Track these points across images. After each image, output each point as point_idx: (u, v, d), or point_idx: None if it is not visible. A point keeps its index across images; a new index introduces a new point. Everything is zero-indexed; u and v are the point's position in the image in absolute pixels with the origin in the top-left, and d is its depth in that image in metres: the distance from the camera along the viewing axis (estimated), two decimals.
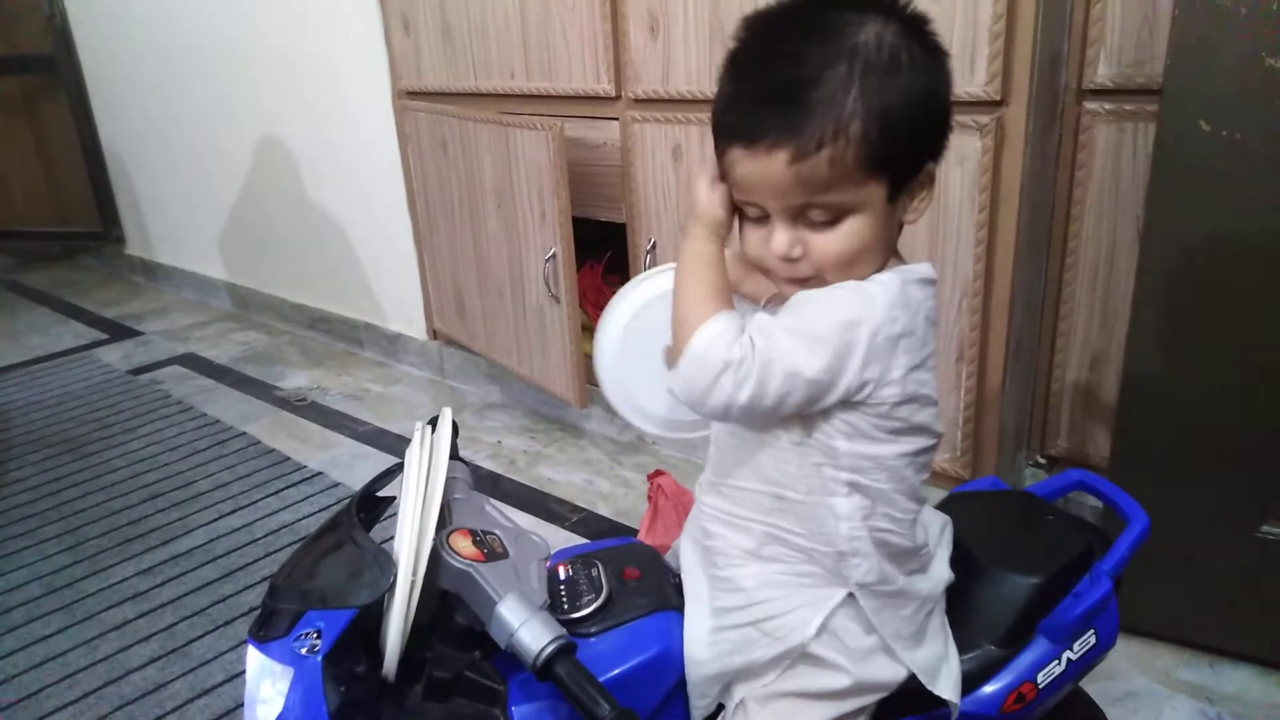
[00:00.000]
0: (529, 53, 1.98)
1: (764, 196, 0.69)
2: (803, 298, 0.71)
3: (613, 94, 1.87)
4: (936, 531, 0.86)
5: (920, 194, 0.72)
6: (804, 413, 0.71)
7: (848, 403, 0.70)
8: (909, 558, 0.79)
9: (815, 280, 0.72)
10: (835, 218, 0.68)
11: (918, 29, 0.68)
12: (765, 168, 0.67)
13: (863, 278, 0.71)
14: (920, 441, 0.75)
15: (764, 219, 0.71)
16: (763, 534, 0.77)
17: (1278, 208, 1.13)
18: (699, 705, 0.81)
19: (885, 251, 0.73)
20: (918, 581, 0.79)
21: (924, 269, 0.73)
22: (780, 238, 0.70)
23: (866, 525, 0.75)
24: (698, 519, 0.84)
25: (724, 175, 0.73)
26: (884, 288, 0.70)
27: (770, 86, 0.66)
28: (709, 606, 0.80)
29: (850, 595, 0.76)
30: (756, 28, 0.70)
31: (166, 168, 3.38)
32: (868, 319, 0.68)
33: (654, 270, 0.94)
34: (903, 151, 0.68)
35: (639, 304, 0.94)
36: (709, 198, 0.74)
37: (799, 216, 0.69)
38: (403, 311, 2.69)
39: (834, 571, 0.76)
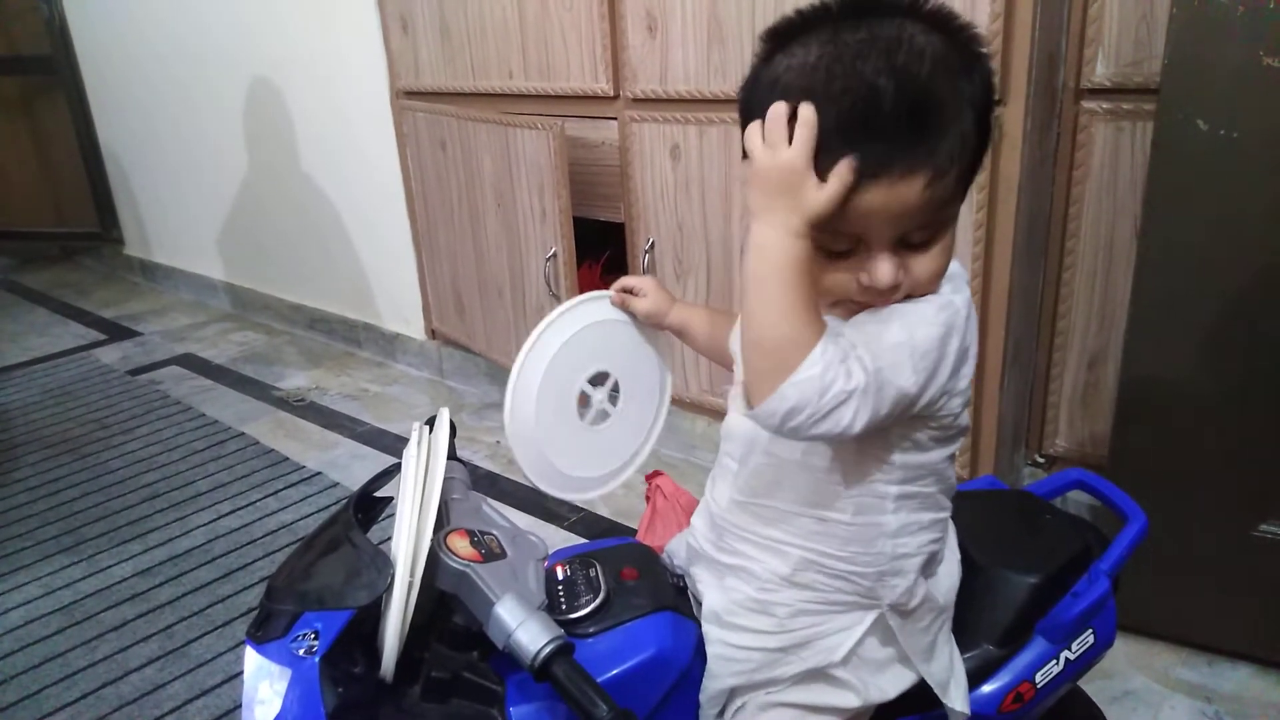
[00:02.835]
0: (527, 52, 1.98)
1: (880, 225, 0.64)
2: (889, 309, 0.67)
3: (611, 94, 1.87)
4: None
5: None
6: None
7: (916, 416, 0.69)
8: (934, 561, 0.79)
9: (900, 297, 0.68)
10: (935, 234, 0.66)
11: (960, 29, 0.65)
12: (898, 195, 0.62)
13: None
14: (960, 440, 0.75)
15: (848, 252, 0.66)
16: (799, 559, 0.76)
17: (1275, 206, 1.14)
18: (710, 714, 0.81)
19: None
20: (932, 587, 0.79)
21: (965, 272, 0.73)
22: (887, 267, 0.65)
23: (913, 539, 0.75)
24: (724, 536, 0.81)
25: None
26: (963, 297, 0.68)
27: (894, 111, 0.61)
28: (731, 623, 0.79)
29: (880, 615, 0.76)
30: (815, 41, 0.64)
31: (165, 168, 3.38)
32: (956, 331, 0.67)
33: (541, 326, 0.90)
34: (984, 154, 0.67)
35: (542, 368, 0.90)
36: (833, 184, 0.62)
37: (901, 240, 0.65)
38: (401, 311, 2.69)
39: (868, 594, 0.76)
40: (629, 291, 0.95)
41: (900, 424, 0.69)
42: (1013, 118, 1.38)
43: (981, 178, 1.42)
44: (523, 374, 0.90)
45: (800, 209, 0.63)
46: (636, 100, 1.83)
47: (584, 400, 0.95)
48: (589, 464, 0.97)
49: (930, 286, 0.68)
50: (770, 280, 0.64)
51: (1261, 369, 1.20)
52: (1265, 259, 1.16)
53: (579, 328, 0.92)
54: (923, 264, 0.67)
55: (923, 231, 0.66)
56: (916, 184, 0.62)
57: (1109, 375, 1.53)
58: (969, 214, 1.45)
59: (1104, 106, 1.43)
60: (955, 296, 0.69)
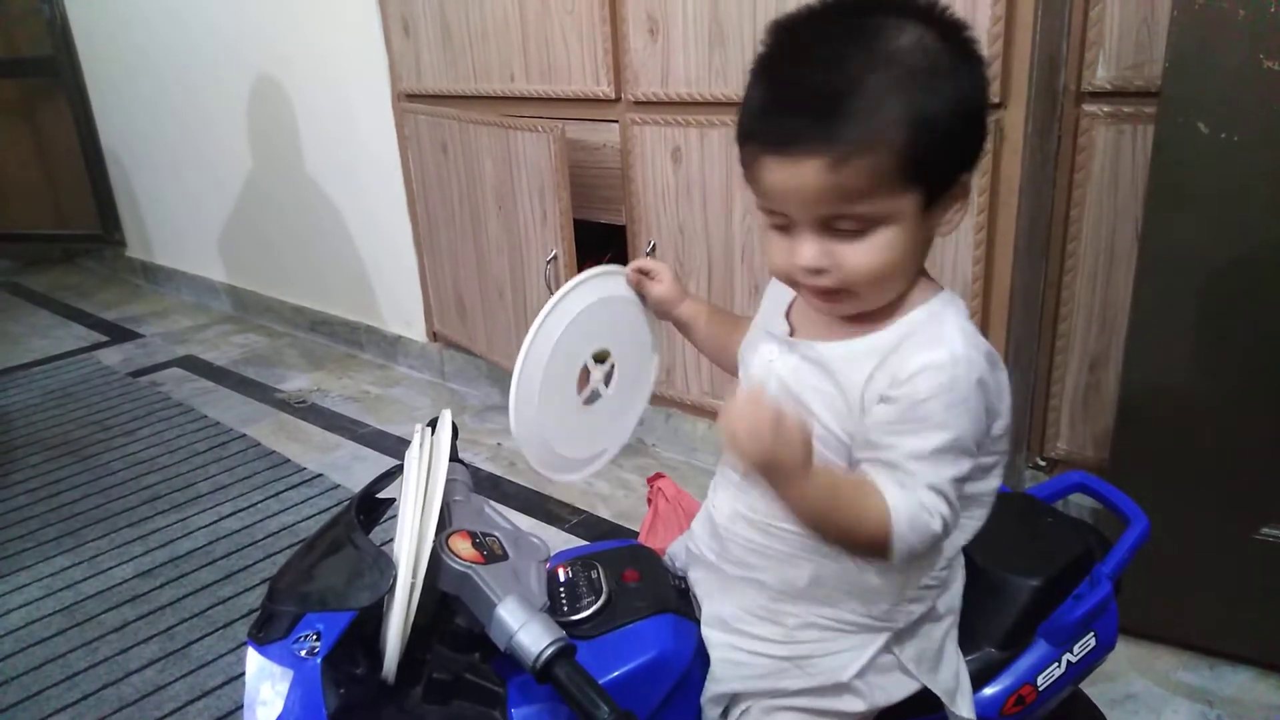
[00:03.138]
0: (528, 55, 1.99)
1: (792, 206, 0.66)
2: (923, 398, 0.66)
3: (612, 96, 1.87)
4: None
5: (955, 205, 0.69)
6: None
7: None
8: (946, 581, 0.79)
9: (844, 294, 0.68)
10: (864, 228, 0.65)
11: (956, 34, 0.65)
12: (798, 176, 0.64)
13: (895, 294, 0.70)
14: (1003, 464, 0.75)
15: (788, 228, 0.68)
16: (814, 574, 0.75)
17: (1275, 209, 1.14)
18: (712, 715, 0.81)
19: (916, 267, 0.71)
20: (938, 601, 0.79)
21: (959, 297, 0.73)
22: (807, 249, 0.66)
23: (942, 572, 0.76)
24: (730, 548, 0.80)
25: (751, 182, 0.69)
26: (967, 338, 0.67)
27: (807, 92, 0.63)
28: (740, 630, 0.79)
29: (890, 636, 0.76)
30: (788, 31, 0.66)
31: (167, 170, 3.38)
32: (980, 382, 0.66)
33: (560, 293, 0.87)
34: (941, 161, 0.65)
35: (557, 334, 0.86)
36: (798, 440, 0.62)
37: (826, 226, 0.66)
38: (403, 313, 2.69)
39: (884, 617, 0.76)
40: (645, 273, 0.92)
41: None
42: (1014, 120, 1.38)
43: (982, 180, 1.42)
44: (538, 338, 0.86)
45: (791, 468, 0.63)
46: (638, 103, 1.83)
47: (583, 377, 0.92)
48: (574, 444, 0.93)
49: (867, 284, 0.67)
50: (827, 514, 0.67)
51: (1263, 372, 1.20)
52: (1266, 261, 1.16)
53: (593, 300, 0.89)
54: (852, 255, 0.66)
55: (848, 221, 0.65)
56: (813, 166, 0.62)
57: (1110, 378, 1.53)
58: (970, 216, 1.45)
59: (1105, 109, 1.44)
60: (961, 347, 0.67)
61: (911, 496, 0.65)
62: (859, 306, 0.71)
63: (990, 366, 0.68)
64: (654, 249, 1.91)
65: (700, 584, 0.84)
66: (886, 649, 0.77)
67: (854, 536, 0.67)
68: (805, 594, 0.76)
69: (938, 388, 0.66)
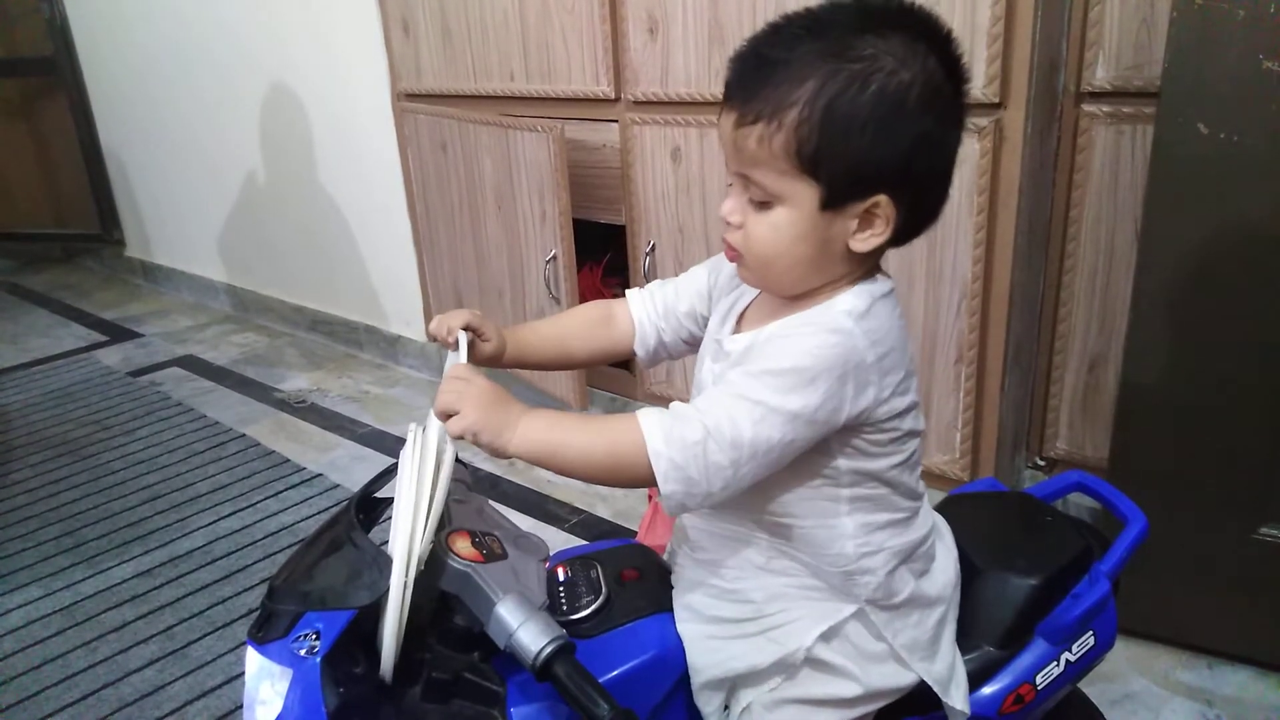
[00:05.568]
0: (528, 55, 1.99)
1: (727, 154, 0.71)
2: (777, 336, 0.70)
3: (612, 96, 1.87)
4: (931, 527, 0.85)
5: (873, 225, 0.69)
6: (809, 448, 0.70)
7: (849, 426, 0.70)
8: (914, 556, 0.79)
9: (742, 260, 0.73)
10: (767, 200, 0.69)
11: (937, 86, 0.66)
12: (722, 127, 0.70)
13: (793, 283, 0.72)
14: (912, 445, 0.76)
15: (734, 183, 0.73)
16: (770, 548, 0.77)
17: (1275, 209, 1.14)
18: (708, 711, 0.81)
19: (822, 266, 0.71)
20: (925, 585, 0.79)
21: (886, 284, 0.73)
22: (729, 200, 0.72)
23: (872, 538, 0.75)
24: (690, 535, 0.83)
25: None
26: (856, 317, 0.69)
27: (751, 55, 0.69)
28: (712, 616, 0.80)
29: (859, 610, 0.77)
30: (808, 9, 0.69)
31: (166, 169, 3.38)
32: (852, 354, 0.67)
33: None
34: (836, 164, 0.66)
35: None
36: (478, 390, 0.73)
37: (747, 188, 0.70)
38: (402, 313, 2.69)
39: (841, 589, 0.77)
40: (478, 334, 0.84)
41: (838, 433, 0.70)
42: (1013, 121, 1.38)
43: (982, 180, 1.42)
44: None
45: (513, 409, 0.73)
46: (637, 103, 1.83)
47: None
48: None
49: (755, 258, 0.71)
50: (571, 439, 0.71)
51: (1262, 371, 1.20)
52: (1266, 261, 1.16)
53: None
54: (753, 224, 0.70)
55: (755, 189, 0.69)
56: (730, 118, 0.69)
57: (1109, 378, 1.53)
58: (970, 216, 1.45)
59: (1104, 109, 1.44)
60: (845, 319, 0.69)
61: (662, 413, 0.68)
62: (754, 280, 0.76)
63: (870, 345, 0.68)
64: (653, 249, 1.91)
65: (675, 578, 0.85)
66: (872, 633, 0.77)
67: (607, 448, 0.69)
68: (766, 569, 0.78)
69: (797, 332, 0.69)
